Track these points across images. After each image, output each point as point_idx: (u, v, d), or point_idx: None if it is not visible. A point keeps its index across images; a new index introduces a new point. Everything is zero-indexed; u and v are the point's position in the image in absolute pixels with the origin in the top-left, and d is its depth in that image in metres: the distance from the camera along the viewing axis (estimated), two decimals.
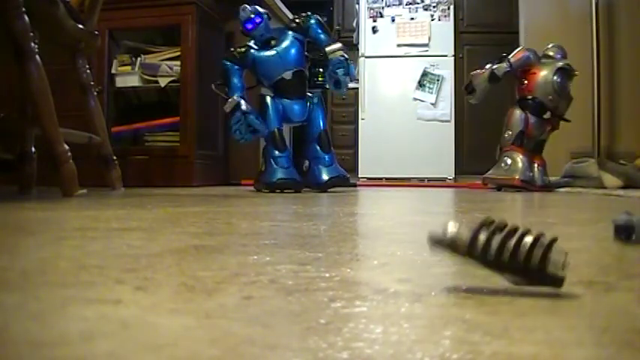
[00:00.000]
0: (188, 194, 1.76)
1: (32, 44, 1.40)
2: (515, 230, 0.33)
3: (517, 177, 2.29)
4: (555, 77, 2.31)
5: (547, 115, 2.38)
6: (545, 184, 2.35)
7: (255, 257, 0.48)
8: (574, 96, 2.38)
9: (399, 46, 4.12)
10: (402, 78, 4.10)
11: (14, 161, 1.74)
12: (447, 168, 4.02)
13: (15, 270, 0.41)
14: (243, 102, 2.03)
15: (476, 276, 0.38)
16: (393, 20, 4.14)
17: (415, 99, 4.09)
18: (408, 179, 3.90)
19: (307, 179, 2.13)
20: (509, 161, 2.34)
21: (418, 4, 4.13)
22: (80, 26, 1.70)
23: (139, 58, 2.63)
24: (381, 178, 3.96)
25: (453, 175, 4.02)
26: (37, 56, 1.41)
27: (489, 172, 2.42)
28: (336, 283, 0.37)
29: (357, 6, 4.25)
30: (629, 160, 2.33)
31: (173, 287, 0.35)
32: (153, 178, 2.54)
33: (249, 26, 2.11)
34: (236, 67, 2.10)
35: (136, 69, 2.63)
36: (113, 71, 2.64)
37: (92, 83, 1.88)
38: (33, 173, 1.74)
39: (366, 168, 4.08)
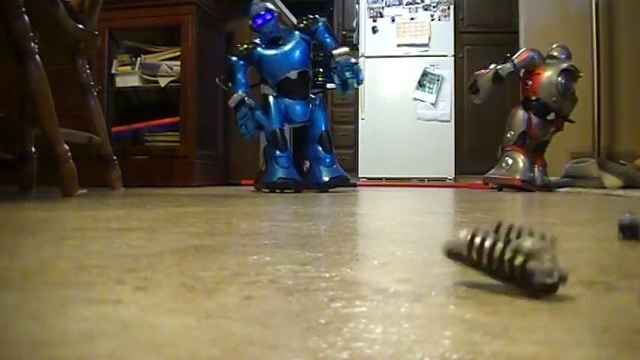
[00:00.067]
0: (188, 194, 1.76)
1: (32, 44, 1.40)
2: (507, 234, 0.34)
3: (518, 177, 2.29)
4: (559, 78, 2.31)
5: (551, 117, 2.37)
6: (545, 184, 2.35)
7: (255, 257, 0.48)
8: None
9: (399, 46, 4.12)
10: (402, 78, 4.10)
11: (14, 161, 1.74)
12: (447, 168, 4.03)
13: (15, 270, 0.41)
14: (247, 98, 2.04)
15: (476, 276, 0.38)
16: (393, 20, 4.14)
17: (415, 99, 4.09)
18: (408, 179, 3.90)
19: (308, 180, 2.13)
20: (510, 161, 2.34)
21: (418, 4, 4.13)
22: (80, 26, 1.70)
23: (139, 58, 2.63)
24: (381, 178, 3.96)
25: (453, 175, 4.02)
26: (37, 56, 1.41)
27: (490, 171, 2.42)
28: (336, 283, 0.37)
29: (357, 6, 4.25)
30: (629, 160, 2.33)
31: (173, 287, 0.35)
32: (153, 178, 2.54)
33: (259, 21, 2.11)
34: (241, 62, 2.11)
35: (136, 69, 2.63)
36: (113, 71, 2.64)
37: (92, 83, 1.88)
38: (33, 173, 1.74)
39: (366, 168, 4.08)
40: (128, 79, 2.64)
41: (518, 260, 0.32)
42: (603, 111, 2.76)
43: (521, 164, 2.31)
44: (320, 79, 3.93)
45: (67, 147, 1.47)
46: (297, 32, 2.18)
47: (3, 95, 2.07)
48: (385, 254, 0.51)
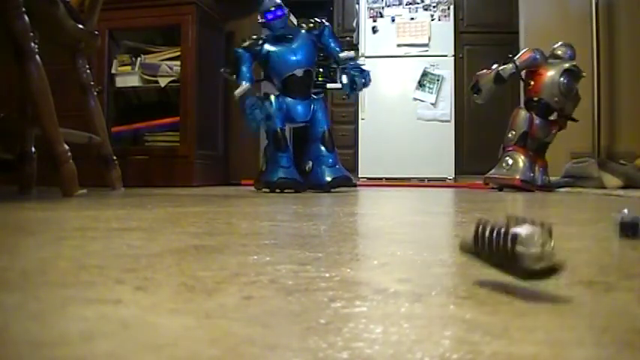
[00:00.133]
0: (188, 194, 1.76)
1: (32, 44, 1.40)
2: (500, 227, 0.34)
3: (518, 177, 2.29)
4: (562, 79, 2.30)
5: (553, 117, 2.37)
6: (545, 184, 2.35)
7: (255, 257, 0.48)
8: None
9: (399, 46, 4.12)
10: (402, 78, 4.10)
11: (14, 161, 1.74)
12: (447, 168, 4.02)
13: (15, 270, 0.41)
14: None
15: (476, 276, 0.38)
16: (393, 20, 4.14)
17: (415, 99, 4.09)
18: (408, 179, 3.90)
19: (310, 180, 2.13)
20: (510, 161, 2.34)
21: (418, 4, 4.13)
22: (80, 26, 1.70)
23: (139, 58, 2.63)
24: (381, 178, 3.96)
25: (453, 175, 4.02)
26: (37, 56, 1.41)
27: (491, 171, 2.42)
28: (336, 283, 0.37)
29: (357, 6, 4.25)
30: (629, 160, 2.33)
31: (173, 287, 0.35)
32: (153, 178, 2.54)
33: (270, 16, 2.13)
34: (248, 55, 2.11)
35: (136, 69, 2.63)
36: (113, 71, 2.64)
37: (92, 83, 1.88)
38: (33, 173, 1.74)
39: (366, 168, 4.08)
40: (128, 79, 2.64)
41: (508, 245, 0.32)
42: (603, 111, 2.76)
43: (521, 164, 2.31)
44: (320, 79, 3.93)
45: (67, 147, 1.47)
46: (303, 31, 2.19)
47: (3, 95, 2.07)
48: (385, 254, 0.51)
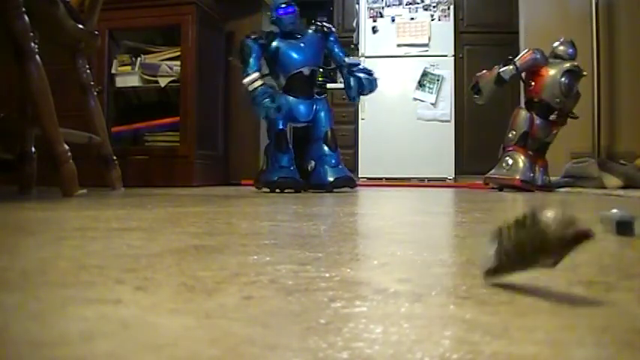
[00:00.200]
0: (188, 194, 1.76)
1: (32, 44, 1.40)
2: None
3: (518, 177, 2.29)
4: (563, 79, 2.30)
5: (553, 117, 2.37)
6: (545, 185, 2.35)
7: (255, 257, 0.48)
8: None
9: (399, 46, 4.12)
10: (402, 78, 4.10)
11: (14, 161, 1.74)
12: (447, 168, 4.02)
13: (15, 270, 0.41)
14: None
15: (476, 276, 0.38)
16: (393, 20, 4.14)
17: (415, 99, 4.09)
18: (408, 179, 3.90)
19: (312, 179, 2.13)
20: (510, 161, 2.34)
21: (418, 4, 4.13)
22: (80, 26, 1.70)
23: (139, 58, 2.63)
24: (381, 178, 3.96)
25: (453, 175, 4.02)
26: (37, 56, 1.41)
27: (491, 171, 2.42)
28: (336, 283, 0.37)
29: (357, 6, 4.25)
30: (629, 160, 2.33)
31: (173, 287, 0.35)
32: (153, 178, 2.54)
33: (281, 12, 2.14)
34: (257, 46, 2.11)
35: (136, 69, 2.63)
36: (113, 71, 2.64)
37: (92, 83, 1.88)
38: (33, 173, 1.74)
39: (366, 168, 4.08)
40: (128, 79, 2.64)
41: (536, 224, 0.30)
42: (603, 111, 2.76)
43: (521, 164, 2.31)
44: (320, 79, 3.93)
45: (67, 147, 1.47)
46: (310, 31, 2.21)
47: (3, 95, 2.07)
48: (385, 254, 0.51)
